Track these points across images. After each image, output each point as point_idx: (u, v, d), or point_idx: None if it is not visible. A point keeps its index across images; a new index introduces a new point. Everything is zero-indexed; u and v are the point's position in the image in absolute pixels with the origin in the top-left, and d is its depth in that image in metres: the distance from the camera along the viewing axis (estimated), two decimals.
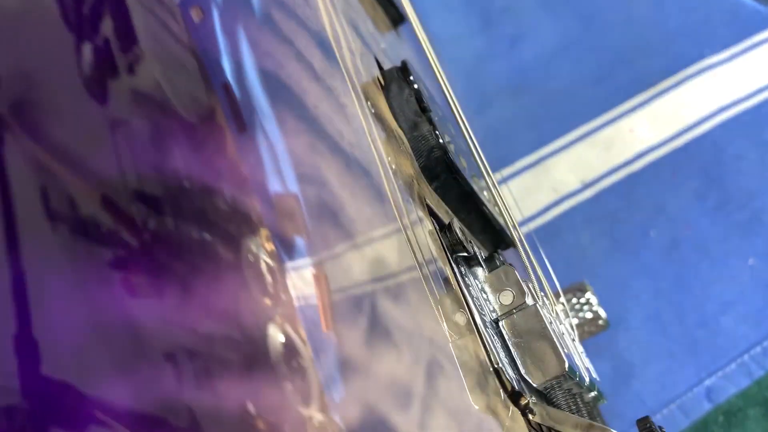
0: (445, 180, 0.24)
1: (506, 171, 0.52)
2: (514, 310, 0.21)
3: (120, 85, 0.13)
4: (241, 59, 0.16)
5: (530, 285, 0.23)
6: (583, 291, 0.36)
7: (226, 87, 0.15)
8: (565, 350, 0.21)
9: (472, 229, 0.27)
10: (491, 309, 0.21)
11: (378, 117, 0.22)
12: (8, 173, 0.11)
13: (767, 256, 0.48)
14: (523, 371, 0.20)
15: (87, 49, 0.13)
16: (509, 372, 0.19)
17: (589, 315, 0.36)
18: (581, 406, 0.24)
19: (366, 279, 0.16)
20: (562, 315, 0.31)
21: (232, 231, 0.13)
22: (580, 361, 0.23)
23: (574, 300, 0.35)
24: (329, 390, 0.12)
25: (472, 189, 0.25)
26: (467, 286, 0.20)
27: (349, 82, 0.21)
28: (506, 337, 0.20)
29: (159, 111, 0.14)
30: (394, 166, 0.21)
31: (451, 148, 0.24)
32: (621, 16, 0.57)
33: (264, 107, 0.16)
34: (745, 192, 0.50)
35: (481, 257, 0.23)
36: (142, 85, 0.14)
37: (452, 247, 0.21)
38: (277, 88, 0.17)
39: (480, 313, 0.20)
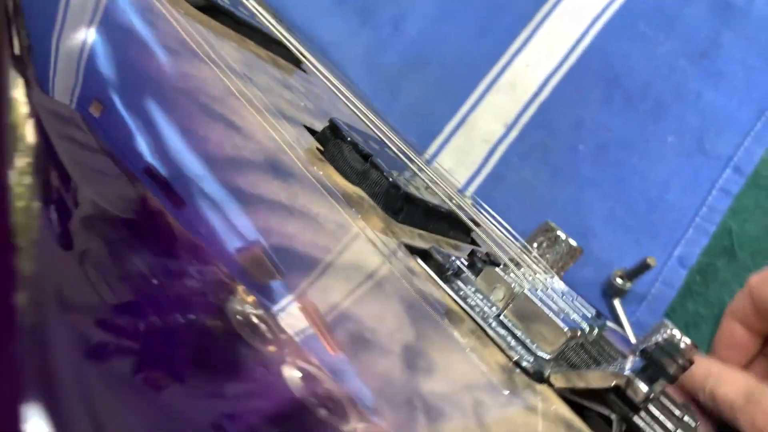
0: (408, 209, 0.26)
1: (439, 139, 0.56)
2: (509, 303, 0.23)
3: (74, 223, 0.14)
4: (157, 132, 0.16)
5: (505, 252, 0.27)
6: (550, 230, 0.39)
7: (149, 170, 0.15)
8: (559, 311, 0.23)
9: (443, 232, 0.30)
10: (490, 305, 0.24)
11: (330, 181, 0.24)
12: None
13: (679, 131, 0.54)
14: (536, 350, 0.22)
15: (53, 212, 0.14)
16: (526, 358, 0.22)
17: (564, 248, 0.40)
18: (591, 350, 0.27)
19: (349, 288, 0.17)
20: (541, 267, 0.35)
21: (213, 301, 0.13)
22: (571, 305, 0.26)
23: (545, 241, 0.39)
24: (361, 400, 0.13)
25: (430, 203, 0.27)
26: (464, 298, 0.23)
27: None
28: (511, 327, 0.23)
29: (104, 226, 0.14)
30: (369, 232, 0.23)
31: (401, 179, 0.26)
32: None
33: (196, 169, 0.16)
34: (641, 84, 0.56)
35: (463, 265, 0.25)
36: (85, 211, 0.14)
37: (439, 270, 0.24)
38: (204, 143, 0.18)
39: (483, 319, 0.22)
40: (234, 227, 0.15)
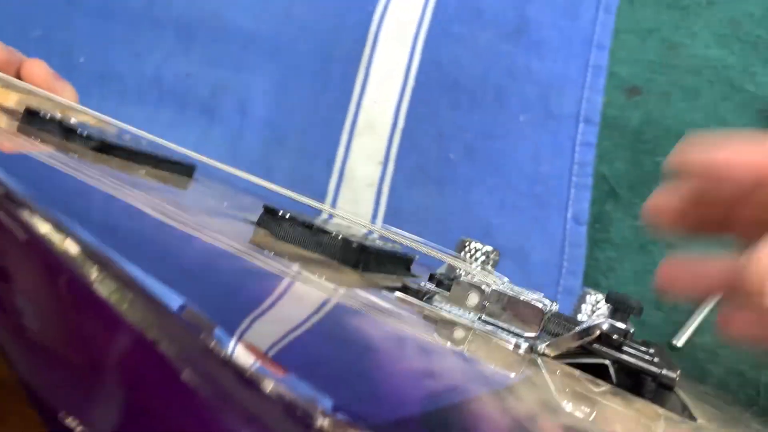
0: (364, 259, 0.29)
1: (327, 200, 0.59)
2: (485, 303, 0.27)
3: None
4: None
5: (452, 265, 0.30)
6: (466, 243, 0.43)
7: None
8: (522, 295, 0.27)
9: (392, 271, 0.33)
10: (469, 312, 0.27)
11: (297, 255, 0.27)
12: None
13: (526, 106, 0.59)
14: (522, 333, 0.26)
15: None
16: (518, 342, 0.25)
17: (483, 256, 0.43)
18: (559, 319, 0.31)
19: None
20: (480, 269, 0.39)
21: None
22: (525, 289, 0.30)
23: (468, 255, 0.43)
24: (320, 403, 0.13)
25: (375, 248, 0.30)
26: (449, 312, 0.26)
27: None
28: (495, 322, 0.27)
29: None
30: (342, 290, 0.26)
31: (346, 233, 0.29)
32: (294, 27, 0.64)
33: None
34: (478, 79, 0.60)
35: (433, 288, 0.29)
36: None
37: (418, 296, 0.27)
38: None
39: (471, 323, 0.26)
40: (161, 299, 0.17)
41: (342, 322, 0.21)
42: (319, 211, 0.59)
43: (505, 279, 0.35)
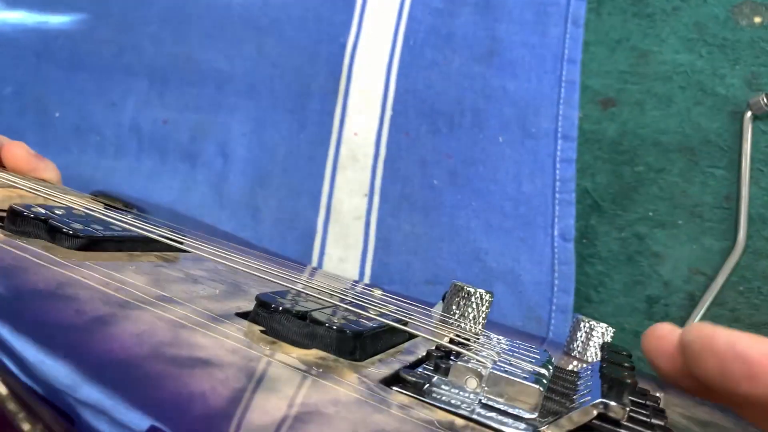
0: (360, 345, 0.30)
1: (318, 237, 0.60)
2: (483, 386, 0.28)
3: None
4: None
5: (441, 335, 0.31)
6: (460, 290, 0.43)
7: None
8: (522, 371, 0.28)
9: (390, 345, 0.33)
10: (468, 395, 0.27)
11: (290, 359, 0.27)
12: None
13: (504, 127, 0.60)
14: (522, 414, 0.26)
15: None
16: (520, 426, 0.25)
17: (473, 304, 0.44)
18: (557, 388, 0.32)
19: None
20: (472, 327, 0.39)
21: None
22: (523, 357, 0.31)
23: (461, 301, 0.43)
24: None
25: (370, 329, 0.31)
26: (448, 401, 0.27)
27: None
28: (495, 405, 0.27)
29: None
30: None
31: (341, 320, 0.30)
32: (267, 64, 0.65)
33: None
34: (454, 103, 0.61)
35: (430, 372, 0.29)
36: None
37: (417, 388, 0.27)
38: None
39: (471, 412, 0.26)
40: None
41: None
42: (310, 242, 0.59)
43: (503, 339, 0.36)
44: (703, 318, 0.53)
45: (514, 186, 0.58)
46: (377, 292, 0.43)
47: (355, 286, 0.49)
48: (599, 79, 0.61)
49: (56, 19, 0.69)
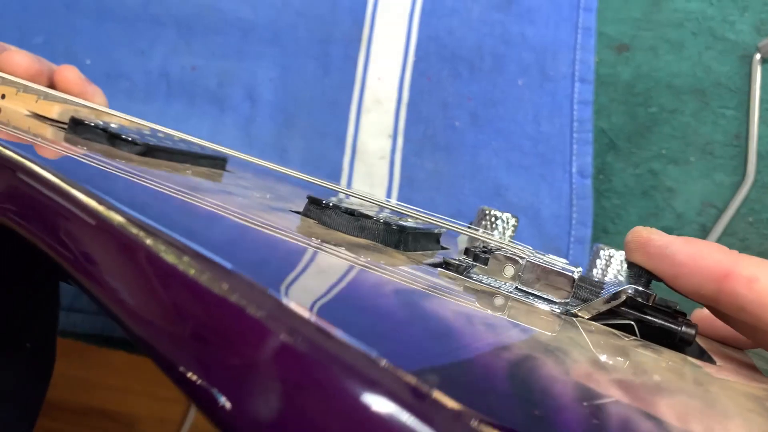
0: (404, 239, 0.32)
1: (344, 176, 0.62)
2: (520, 273, 0.30)
3: None
4: None
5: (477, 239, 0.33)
6: (488, 213, 0.45)
7: None
8: (552, 264, 0.30)
9: (427, 247, 0.35)
10: (505, 282, 0.29)
11: (346, 241, 0.29)
12: None
13: (523, 71, 0.62)
14: (555, 299, 0.28)
15: None
16: (554, 308, 0.27)
17: (501, 224, 0.46)
18: (586, 284, 0.34)
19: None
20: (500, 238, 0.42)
21: None
22: (553, 257, 0.33)
23: (488, 225, 0.45)
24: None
25: (412, 228, 0.33)
26: (488, 284, 0.29)
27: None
28: (530, 290, 0.29)
29: None
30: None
31: (389, 218, 0.32)
32: (291, 13, 0.67)
33: None
34: (474, 48, 0.63)
35: (470, 262, 0.31)
36: None
37: (458, 272, 0.30)
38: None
39: (509, 293, 0.28)
40: None
41: (412, 301, 0.23)
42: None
43: (529, 247, 0.38)
44: None
45: (533, 126, 0.61)
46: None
47: (389, 200, 0.51)
48: (614, 26, 0.64)
49: None
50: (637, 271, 0.31)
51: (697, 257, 0.26)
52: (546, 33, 0.63)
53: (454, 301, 0.24)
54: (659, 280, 0.28)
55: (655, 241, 0.28)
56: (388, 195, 0.61)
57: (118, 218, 0.21)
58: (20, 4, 0.70)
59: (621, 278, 0.41)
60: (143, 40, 0.68)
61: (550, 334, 0.24)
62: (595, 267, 0.47)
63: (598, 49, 0.63)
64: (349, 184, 0.62)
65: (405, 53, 0.64)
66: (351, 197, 0.37)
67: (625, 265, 0.46)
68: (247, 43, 0.67)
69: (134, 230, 0.21)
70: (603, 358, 0.23)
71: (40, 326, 0.43)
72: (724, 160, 0.59)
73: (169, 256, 0.19)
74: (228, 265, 0.18)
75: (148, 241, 0.20)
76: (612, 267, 0.47)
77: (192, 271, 0.19)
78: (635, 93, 0.61)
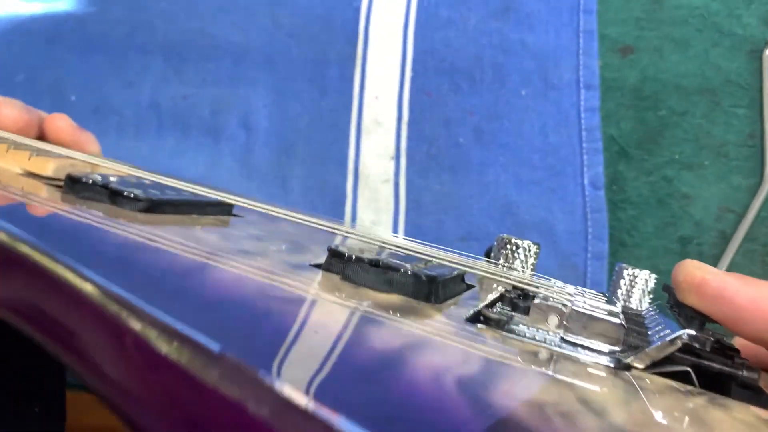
0: (435, 290, 0.30)
1: (348, 202, 0.60)
2: (565, 322, 0.28)
3: None
4: None
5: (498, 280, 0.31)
6: (507, 242, 0.43)
7: None
8: (599, 311, 0.28)
9: (456, 293, 0.34)
10: (549, 333, 0.28)
11: (376, 302, 0.28)
12: None
13: (525, 81, 0.60)
14: (607, 350, 0.26)
15: None
16: (605, 360, 0.26)
17: (523, 253, 0.44)
18: (632, 326, 0.32)
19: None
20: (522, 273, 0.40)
21: None
22: (594, 298, 0.31)
23: (509, 254, 0.43)
24: None
25: (441, 276, 0.31)
26: (532, 338, 0.27)
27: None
28: (577, 341, 0.27)
29: None
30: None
31: (416, 267, 0.30)
32: (283, 34, 0.64)
33: None
34: (473, 60, 0.61)
35: (509, 312, 0.29)
36: None
37: (499, 325, 0.28)
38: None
39: (555, 346, 0.27)
40: None
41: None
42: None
43: (560, 282, 0.36)
44: (736, 254, 0.54)
45: (540, 138, 0.59)
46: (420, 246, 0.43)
47: (396, 237, 0.49)
48: (616, 28, 0.61)
49: (64, 3, 0.68)
50: (689, 313, 0.29)
51: (758, 300, 0.25)
52: (546, 39, 0.61)
53: (518, 384, 0.22)
54: (714, 322, 0.26)
55: (711, 283, 0.26)
56: (395, 220, 0.59)
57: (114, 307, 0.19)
58: None
59: (646, 302, 0.39)
60: (130, 71, 0.66)
61: (593, 387, 0.22)
62: (619, 288, 0.45)
63: (602, 53, 0.61)
64: (353, 211, 0.60)
65: (402, 69, 0.62)
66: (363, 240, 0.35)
67: (651, 284, 0.44)
68: (240, 68, 0.65)
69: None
70: (664, 417, 0.21)
71: (48, 387, 0.41)
72: (739, 162, 0.57)
73: (194, 365, 0.18)
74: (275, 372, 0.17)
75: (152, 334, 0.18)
76: (637, 287, 0.45)
77: (213, 377, 0.17)
78: (643, 96, 0.59)
